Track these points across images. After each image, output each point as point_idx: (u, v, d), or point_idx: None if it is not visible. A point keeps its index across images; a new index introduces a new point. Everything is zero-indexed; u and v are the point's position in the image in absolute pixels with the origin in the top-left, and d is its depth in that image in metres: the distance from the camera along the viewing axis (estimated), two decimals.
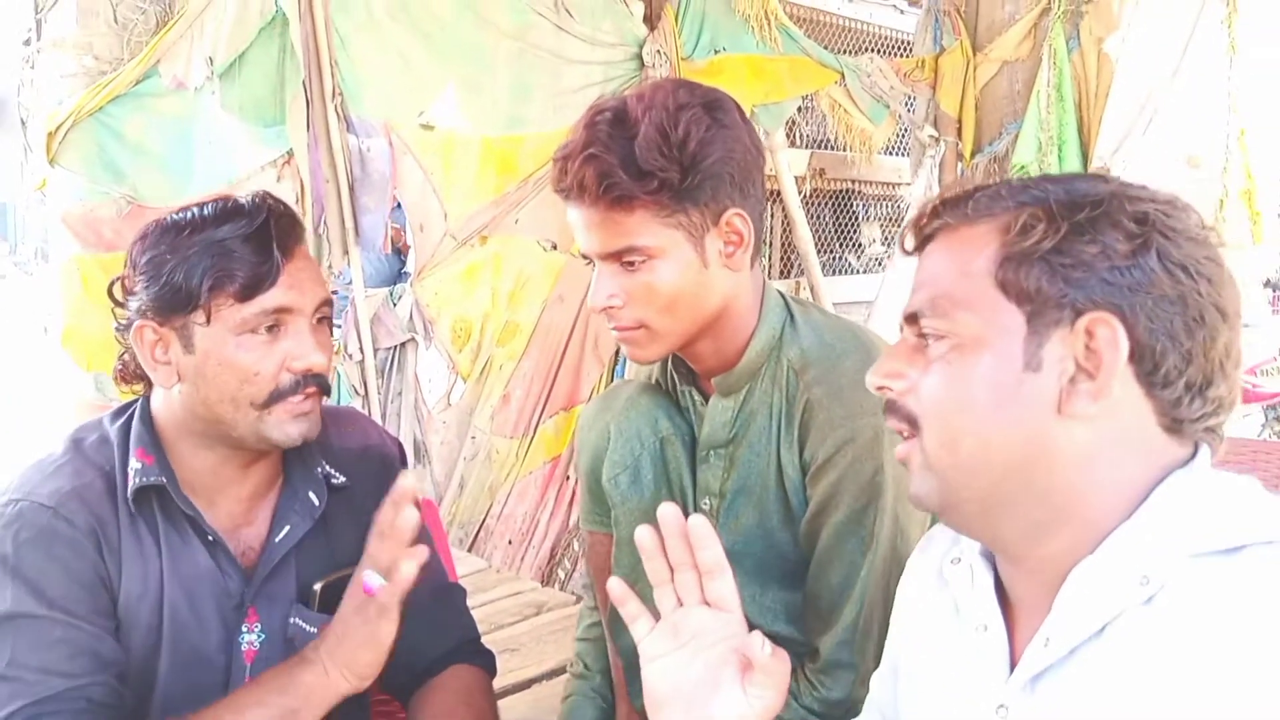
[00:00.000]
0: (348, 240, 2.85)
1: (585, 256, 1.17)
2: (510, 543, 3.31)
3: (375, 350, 2.97)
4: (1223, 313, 0.73)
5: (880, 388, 0.81)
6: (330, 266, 2.84)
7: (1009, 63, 3.74)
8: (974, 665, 0.81)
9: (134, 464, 1.11)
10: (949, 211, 0.79)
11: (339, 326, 2.87)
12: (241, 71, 2.63)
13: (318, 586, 1.18)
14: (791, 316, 1.25)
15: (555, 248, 3.25)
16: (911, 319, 0.80)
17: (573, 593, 2.86)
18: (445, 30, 2.96)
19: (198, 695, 1.13)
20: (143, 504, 1.11)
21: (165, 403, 1.14)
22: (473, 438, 3.20)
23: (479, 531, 3.25)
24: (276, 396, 1.09)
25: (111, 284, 1.14)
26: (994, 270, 0.75)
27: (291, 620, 1.17)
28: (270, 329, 1.09)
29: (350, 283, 2.89)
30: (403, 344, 3.03)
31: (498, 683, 1.32)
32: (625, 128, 1.11)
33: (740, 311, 1.21)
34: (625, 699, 1.39)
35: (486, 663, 1.31)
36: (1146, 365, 0.72)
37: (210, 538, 1.13)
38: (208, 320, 1.07)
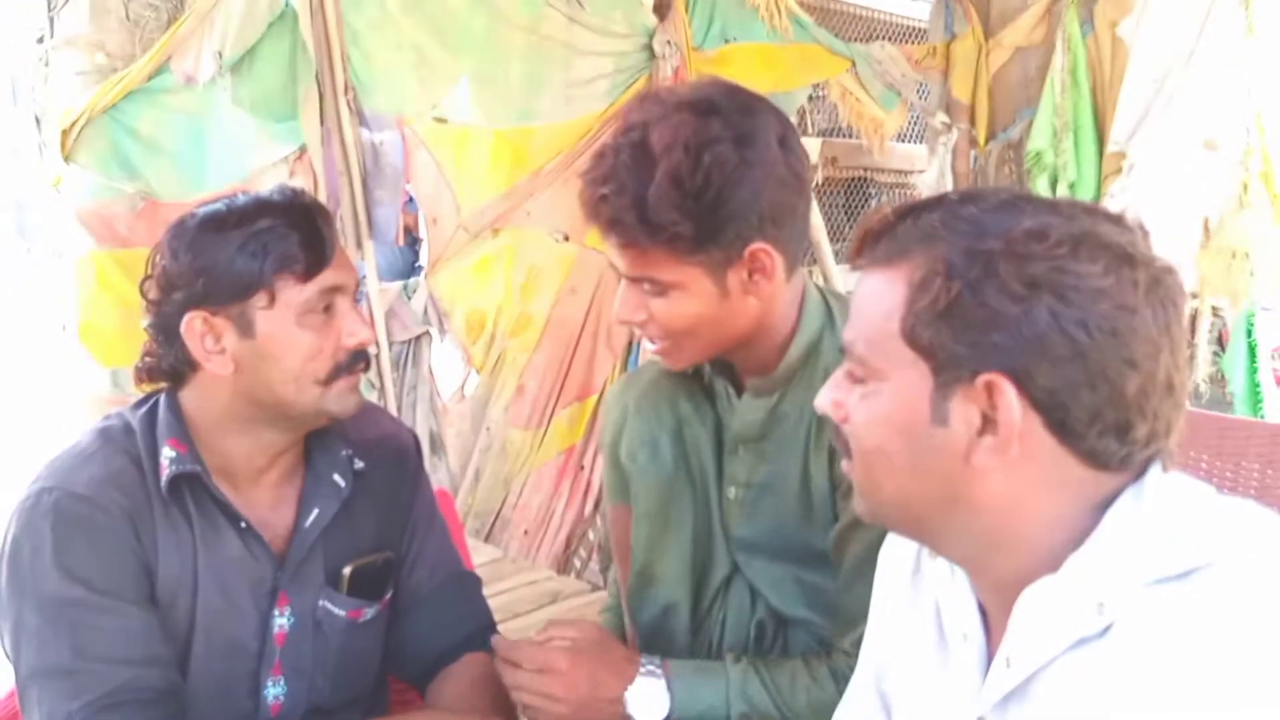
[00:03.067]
0: (361, 234, 2.85)
1: (613, 266, 1.17)
2: (526, 532, 3.31)
3: (390, 344, 2.97)
4: (1131, 363, 0.69)
5: (824, 414, 0.82)
6: None
7: (1022, 49, 3.70)
8: (955, 673, 0.82)
9: (167, 453, 1.11)
10: (867, 251, 0.79)
11: None
12: (252, 66, 2.62)
13: (347, 570, 1.20)
14: (831, 320, 1.22)
15: (567, 239, 3.24)
16: (844, 350, 0.80)
17: (588, 581, 2.87)
18: (458, 23, 2.95)
19: (229, 680, 1.15)
20: (176, 493, 1.12)
21: (204, 393, 1.14)
22: (487, 429, 3.21)
23: (495, 522, 3.25)
24: (337, 372, 1.13)
25: (143, 283, 1.14)
26: (900, 322, 0.74)
27: (320, 604, 1.19)
28: (325, 309, 1.12)
29: (365, 277, 2.89)
30: (417, 337, 3.03)
31: None
32: (643, 166, 1.07)
33: (773, 324, 1.19)
34: None
35: None
36: (1054, 418, 0.70)
37: (243, 525, 1.15)
38: (270, 303, 1.09)
